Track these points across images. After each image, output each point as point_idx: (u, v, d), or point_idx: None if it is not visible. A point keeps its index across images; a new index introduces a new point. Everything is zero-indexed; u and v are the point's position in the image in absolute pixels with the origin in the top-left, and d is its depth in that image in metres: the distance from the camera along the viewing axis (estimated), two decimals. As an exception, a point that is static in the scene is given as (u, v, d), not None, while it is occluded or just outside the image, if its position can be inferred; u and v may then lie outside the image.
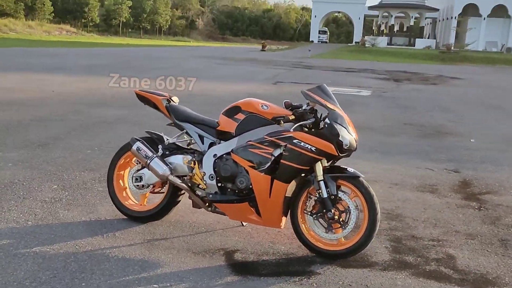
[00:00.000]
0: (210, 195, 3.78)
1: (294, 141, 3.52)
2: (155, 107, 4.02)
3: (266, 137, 3.61)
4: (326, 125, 3.52)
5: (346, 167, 3.66)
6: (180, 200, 4.03)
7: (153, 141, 3.98)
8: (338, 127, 3.51)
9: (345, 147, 3.53)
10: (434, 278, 3.43)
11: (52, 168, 5.33)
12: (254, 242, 3.81)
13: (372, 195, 3.55)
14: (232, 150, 3.71)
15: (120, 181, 4.11)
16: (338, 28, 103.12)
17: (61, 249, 3.45)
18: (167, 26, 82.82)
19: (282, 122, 3.53)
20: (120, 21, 74.13)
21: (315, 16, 71.38)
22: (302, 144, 3.50)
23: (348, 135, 3.54)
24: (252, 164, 3.61)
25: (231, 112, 3.80)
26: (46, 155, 5.82)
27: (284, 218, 3.72)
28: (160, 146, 3.92)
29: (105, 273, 3.17)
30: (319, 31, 71.82)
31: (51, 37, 51.01)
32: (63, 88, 11.74)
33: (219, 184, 3.75)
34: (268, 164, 3.56)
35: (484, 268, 3.61)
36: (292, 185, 3.68)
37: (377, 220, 3.54)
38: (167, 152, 3.93)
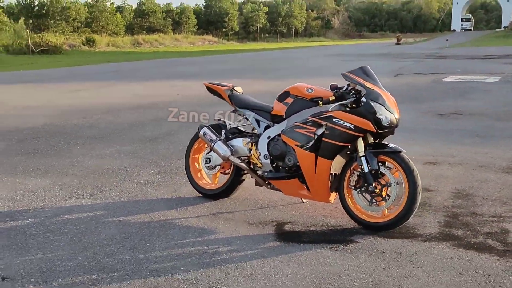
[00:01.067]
0: (266, 173, 4.18)
1: (334, 119, 3.79)
2: (220, 96, 4.53)
3: (309, 117, 3.92)
4: (363, 103, 3.74)
5: (387, 143, 3.84)
6: (244, 179, 4.48)
7: (218, 127, 4.49)
8: (374, 104, 3.70)
9: (384, 124, 3.72)
10: (475, 249, 3.48)
11: (154, 157, 6.12)
12: (308, 216, 4.13)
13: (412, 169, 3.69)
14: (281, 131, 4.08)
15: (196, 164, 4.69)
16: (488, 14, 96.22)
17: (140, 219, 4.09)
18: (303, 28, 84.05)
19: (320, 103, 3.81)
20: (257, 27, 76.96)
21: (457, 3, 67.45)
22: (341, 122, 3.76)
23: (387, 113, 3.72)
24: (297, 143, 3.94)
25: (282, 97, 4.17)
26: (153, 147, 6.65)
27: (334, 194, 4.00)
28: (223, 131, 4.42)
29: (168, 236, 3.73)
30: (461, 18, 67.79)
31: (195, 47, 54.66)
32: (188, 92, 12.85)
33: (273, 163, 4.14)
34: (312, 142, 3.87)
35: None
36: (341, 162, 3.95)
37: (417, 193, 3.67)
38: (230, 136, 4.41)
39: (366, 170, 3.77)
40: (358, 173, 3.83)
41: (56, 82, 16.45)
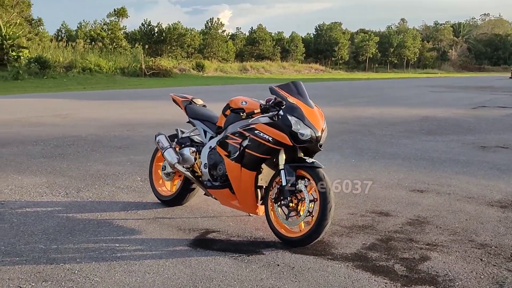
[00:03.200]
0: (205, 182, 4.30)
1: (256, 131, 3.85)
2: (180, 106, 4.76)
3: (238, 129, 4.01)
4: (280, 117, 3.76)
5: (308, 158, 3.81)
6: (194, 188, 4.63)
7: (175, 136, 4.71)
8: (291, 118, 3.72)
9: (302, 138, 3.71)
10: (372, 271, 3.35)
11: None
12: (240, 228, 4.18)
13: (325, 186, 3.63)
14: (216, 141, 4.20)
15: (158, 171, 4.93)
16: None
17: (86, 216, 4.37)
18: (415, 58, 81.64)
19: (242, 114, 3.88)
20: (367, 56, 76.13)
21: None
22: (261, 134, 3.81)
23: (305, 127, 3.71)
24: (226, 153, 4.04)
25: (224, 109, 4.30)
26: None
27: (263, 206, 4.02)
28: (176, 139, 4.62)
29: (94, 232, 3.98)
30: None
31: (299, 75, 55.28)
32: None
33: (211, 172, 4.26)
34: (238, 153, 3.95)
35: (443, 271, 3.34)
36: (270, 175, 3.98)
37: (327, 210, 3.60)
38: (183, 145, 4.61)
39: (284, 183, 3.77)
40: (278, 187, 3.84)
41: (140, 99, 17.62)
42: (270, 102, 3.93)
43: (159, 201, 4.83)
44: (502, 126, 11.17)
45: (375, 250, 3.72)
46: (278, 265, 3.43)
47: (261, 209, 4.04)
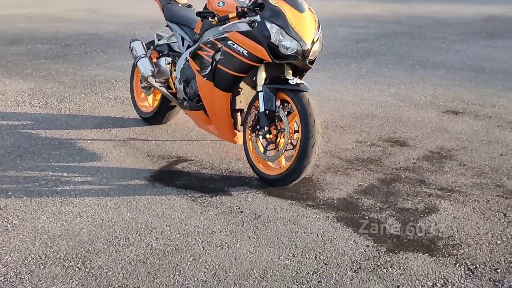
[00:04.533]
0: (180, 100, 3.61)
1: (229, 42, 3.06)
2: (158, 6, 3.98)
3: (210, 38, 3.22)
4: (257, 24, 2.93)
5: (293, 79, 3.00)
6: (175, 105, 3.94)
7: (152, 42, 3.97)
8: (271, 26, 2.88)
9: (284, 53, 2.90)
10: (356, 227, 2.64)
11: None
12: (219, 157, 3.54)
13: (309, 113, 2.87)
14: (189, 52, 3.44)
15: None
16: None
17: (54, 134, 3.84)
18: None
19: (212, 19, 3.06)
20: None
21: None
22: (235, 46, 3.02)
23: (288, 38, 2.89)
24: (198, 68, 3.30)
25: (202, 12, 3.48)
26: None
27: (241, 133, 3.32)
28: (152, 47, 3.89)
29: (49, 156, 3.44)
30: None
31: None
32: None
33: (185, 90, 3.55)
34: (209, 68, 3.20)
35: (448, 231, 2.59)
36: (250, 97, 3.24)
37: (309, 145, 2.87)
38: (160, 54, 3.88)
39: (262, 109, 3.02)
40: (256, 113, 3.10)
41: None
42: (249, 3, 3.08)
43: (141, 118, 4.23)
44: None
45: (371, 195, 2.99)
46: (242, 211, 2.79)
47: (240, 136, 3.34)
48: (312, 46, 2.96)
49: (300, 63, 3.01)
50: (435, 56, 6.98)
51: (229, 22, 3.06)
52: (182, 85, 3.55)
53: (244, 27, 3.03)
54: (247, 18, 3.00)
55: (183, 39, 3.70)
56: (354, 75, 5.83)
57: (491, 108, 4.70)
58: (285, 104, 3.07)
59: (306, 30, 2.94)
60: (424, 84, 5.52)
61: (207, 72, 3.21)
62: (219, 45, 3.12)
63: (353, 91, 5.21)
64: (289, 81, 2.97)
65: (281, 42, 2.89)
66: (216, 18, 3.05)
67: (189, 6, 3.97)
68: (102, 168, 3.30)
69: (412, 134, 4.01)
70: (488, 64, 6.52)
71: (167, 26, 3.91)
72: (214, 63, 3.16)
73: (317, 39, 3.00)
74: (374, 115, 4.47)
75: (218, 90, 3.17)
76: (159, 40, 3.93)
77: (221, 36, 3.11)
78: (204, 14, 3.12)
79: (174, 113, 4.04)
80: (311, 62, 3.04)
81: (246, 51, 2.97)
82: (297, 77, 3.16)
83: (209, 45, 3.21)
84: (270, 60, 2.92)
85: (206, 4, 3.42)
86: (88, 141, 3.76)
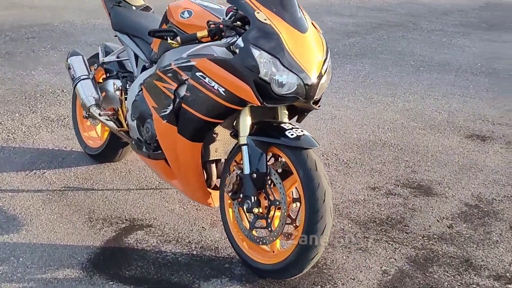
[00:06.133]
0: (133, 141, 2.64)
1: (197, 74, 2.10)
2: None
3: (172, 63, 2.25)
4: (238, 49, 1.98)
5: (290, 124, 2.07)
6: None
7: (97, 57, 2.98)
8: (259, 54, 1.94)
9: (279, 91, 1.96)
10: None
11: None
12: (184, 219, 2.60)
13: (316, 184, 1.94)
14: (144, 79, 2.47)
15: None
16: None
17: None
18: None
19: (172, 41, 2.08)
20: None
21: None
22: (207, 80, 2.06)
23: (284, 70, 1.95)
24: (154, 105, 2.34)
25: (161, 21, 2.51)
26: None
27: (217, 192, 2.39)
28: (96, 65, 2.91)
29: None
30: None
31: None
32: None
33: (139, 129, 2.58)
34: (171, 106, 2.24)
35: None
36: (230, 144, 2.30)
37: (317, 228, 1.95)
38: (108, 75, 2.89)
39: (247, 171, 2.08)
40: (238, 173, 2.16)
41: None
42: (228, 18, 2.12)
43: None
44: None
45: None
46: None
47: (215, 197, 2.41)
48: (319, 81, 2.03)
49: (302, 104, 2.08)
50: (438, 54, 6.09)
51: (198, 42, 2.10)
52: (135, 122, 2.59)
53: (220, 51, 2.08)
54: (224, 40, 2.04)
55: (136, 56, 2.71)
56: (351, 82, 4.91)
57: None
58: (279, 159, 2.16)
59: (310, 59, 2.00)
60: (434, 94, 4.64)
61: (167, 112, 2.25)
62: (184, 76, 2.16)
63: (353, 105, 4.30)
64: (286, 132, 2.02)
65: (274, 77, 1.95)
66: (178, 38, 2.07)
67: (147, 9, 2.96)
68: (20, 247, 2.34)
69: (437, 175, 3.13)
70: (501, 65, 5.67)
71: (116, 36, 2.90)
72: (178, 100, 2.21)
73: (325, 71, 2.07)
74: (384, 142, 3.58)
75: (184, 139, 2.22)
76: (105, 55, 2.91)
77: (187, 63, 2.15)
78: (160, 34, 2.13)
79: (129, 150, 3.07)
80: (316, 103, 2.11)
81: (223, 89, 2.01)
82: (296, 118, 2.25)
83: (169, 75, 2.24)
84: (259, 104, 1.98)
85: (165, 13, 2.45)
86: (9, 193, 2.77)
